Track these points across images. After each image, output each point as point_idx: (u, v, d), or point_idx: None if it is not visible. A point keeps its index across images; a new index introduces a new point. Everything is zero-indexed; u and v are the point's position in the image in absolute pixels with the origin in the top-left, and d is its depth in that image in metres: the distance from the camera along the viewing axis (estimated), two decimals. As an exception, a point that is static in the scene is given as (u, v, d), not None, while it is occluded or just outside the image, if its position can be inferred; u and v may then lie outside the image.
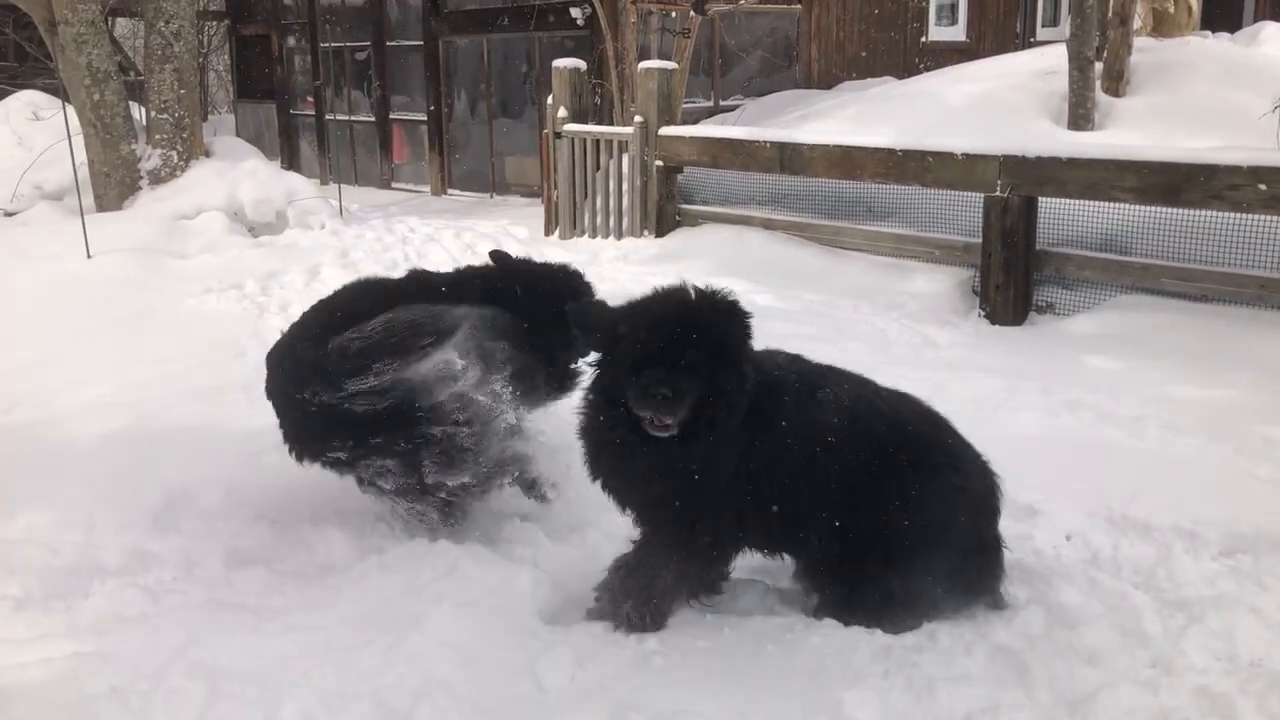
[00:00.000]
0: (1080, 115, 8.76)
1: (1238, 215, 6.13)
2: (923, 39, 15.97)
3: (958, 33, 16.45)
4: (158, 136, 10.32)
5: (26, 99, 12.48)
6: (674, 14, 11.02)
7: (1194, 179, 6.05)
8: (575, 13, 11.94)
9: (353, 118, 16.66)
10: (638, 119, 9.31)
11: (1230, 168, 5.90)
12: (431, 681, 2.78)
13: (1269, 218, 6.01)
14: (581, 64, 10.21)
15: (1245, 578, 3.36)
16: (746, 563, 3.39)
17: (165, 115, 10.26)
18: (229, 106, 24.12)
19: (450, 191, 15.12)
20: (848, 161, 7.81)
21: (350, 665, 2.86)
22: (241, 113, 21.48)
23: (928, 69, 13.38)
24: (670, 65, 9.41)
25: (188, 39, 10.37)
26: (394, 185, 15.98)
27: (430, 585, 3.26)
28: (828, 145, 7.96)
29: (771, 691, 2.79)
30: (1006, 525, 3.38)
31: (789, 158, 8.19)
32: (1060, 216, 7.04)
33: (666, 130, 9.21)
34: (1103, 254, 6.79)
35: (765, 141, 8.38)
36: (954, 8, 16.32)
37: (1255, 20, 14.81)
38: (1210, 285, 6.26)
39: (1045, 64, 9.78)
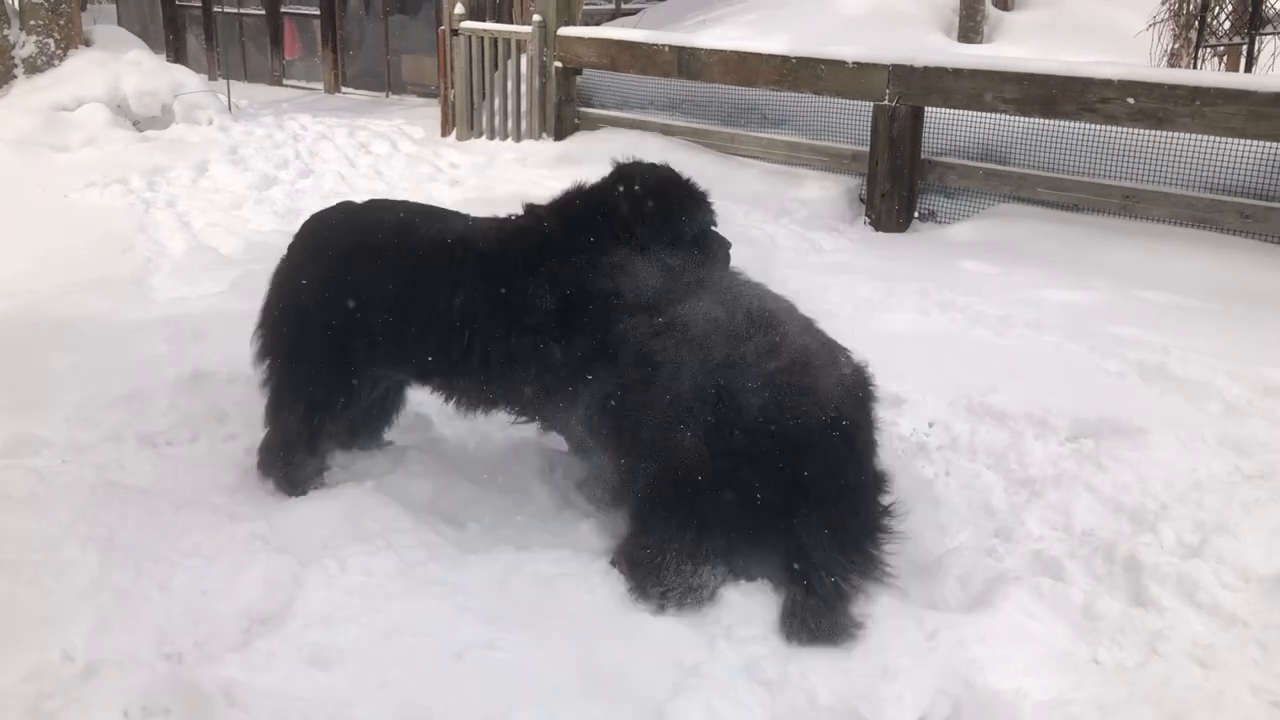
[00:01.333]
0: (970, 28, 8.97)
1: (1108, 127, 6.41)
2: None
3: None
4: (32, 22, 9.87)
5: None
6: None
7: (1069, 91, 6.30)
8: (474, -93, 11.62)
9: (242, 10, 16.03)
10: (536, 18, 9.22)
11: (1102, 81, 6.16)
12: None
13: (1135, 130, 6.30)
14: (480, -40, 10.02)
15: (1086, 459, 3.64)
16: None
17: (41, 0, 9.80)
18: (109, -5, 22.96)
19: (344, 90, 14.74)
20: (744, 67, 7.89)
21: (237, 537, 2.97)
22: (123, 3, 20.48)
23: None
24: (570, -36, 9.30)
25: (63, -81, 9.88)
26: (285, 82, 15.50)
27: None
28: (724, 50, 8.02)
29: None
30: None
31: (686, 62, 8.23)
32: (945, 126, 7.26)
33: (565, 31, 9.15)
34: (983, 164, 7.05)
35: (663, 45, 8.40)
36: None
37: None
38: (1080, 195, 6.57)
39: (938, -24, 9.92)
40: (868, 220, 7.32)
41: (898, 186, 7.16)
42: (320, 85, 14.96)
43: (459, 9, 9.85)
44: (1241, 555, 3.05)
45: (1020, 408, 4.05)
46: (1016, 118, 6.80)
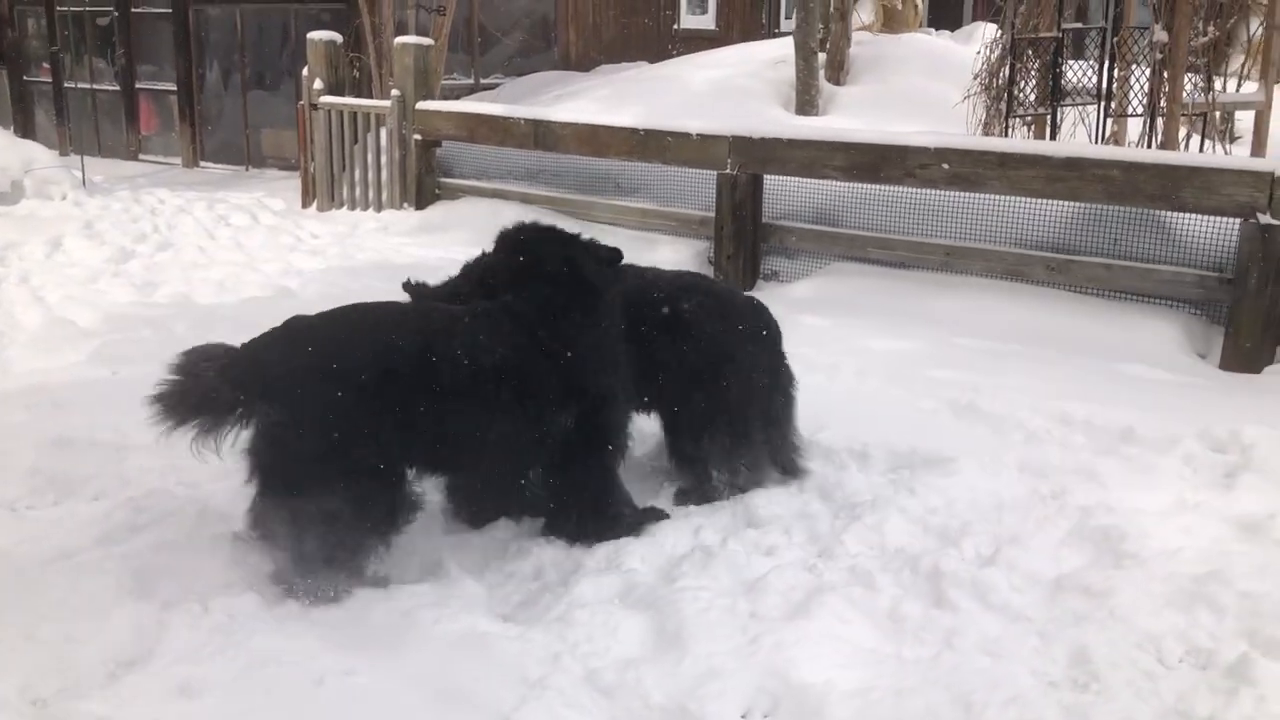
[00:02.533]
0: (806, 101, 9.60)
1: (927, 191, 6.99)
2: (675, 26, 16.76)
3: (708, 21, 17.36)
4: (-126, 98, 9.69)
5: None
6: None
7: (891, 158, 6.87)
8: (333, -14, 11.92)
9: (95, 86, 15.89)
10: (395, 93, 9.50)
11: (920, 148, 6.74)
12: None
13: (951, 193, 6.89)
14: (337, 36, 10.28)
15: (901, 486, 4.03)
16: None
17: (-118, 76, 9.64)
18: (-48, 70, 22.34)
19: (203, 164, 14.73)
20: (596, 139, 8.30)
21: (103, 587, 3.09)
22: (-33, 78, 19.97)
23: (680, 55, 14.13)
24: (426, 41, 9.65)
25: (-93, -4, 9.77)
26: (141, 157, 15.38)
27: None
28: (578, 123, 8.42)
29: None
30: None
31: (542, 134, 8.61)
32: (784, 192, 7.77)
33: (424, 105, 9.44)
34: (818, 226, 7.56)
35: (520, 118, 8.77)
36: (704, -2, 17.23)
37: (974, 20, 16.47)
38: (906, 253, 7.12)
39: (779, 53, 10.60)
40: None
41: (742, 249, 7.61)
42: (179, 160, 14.91)
43: (318, 84, 10.06)
44: (1030, 562, 3.46)
45: (844, 443, 4.44)
46: (848, 183, 7.34)
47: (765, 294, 7.47)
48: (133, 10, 14.98)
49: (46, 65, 16.42)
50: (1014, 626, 3.09)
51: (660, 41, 16.20)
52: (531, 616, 3.14)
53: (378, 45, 11.04)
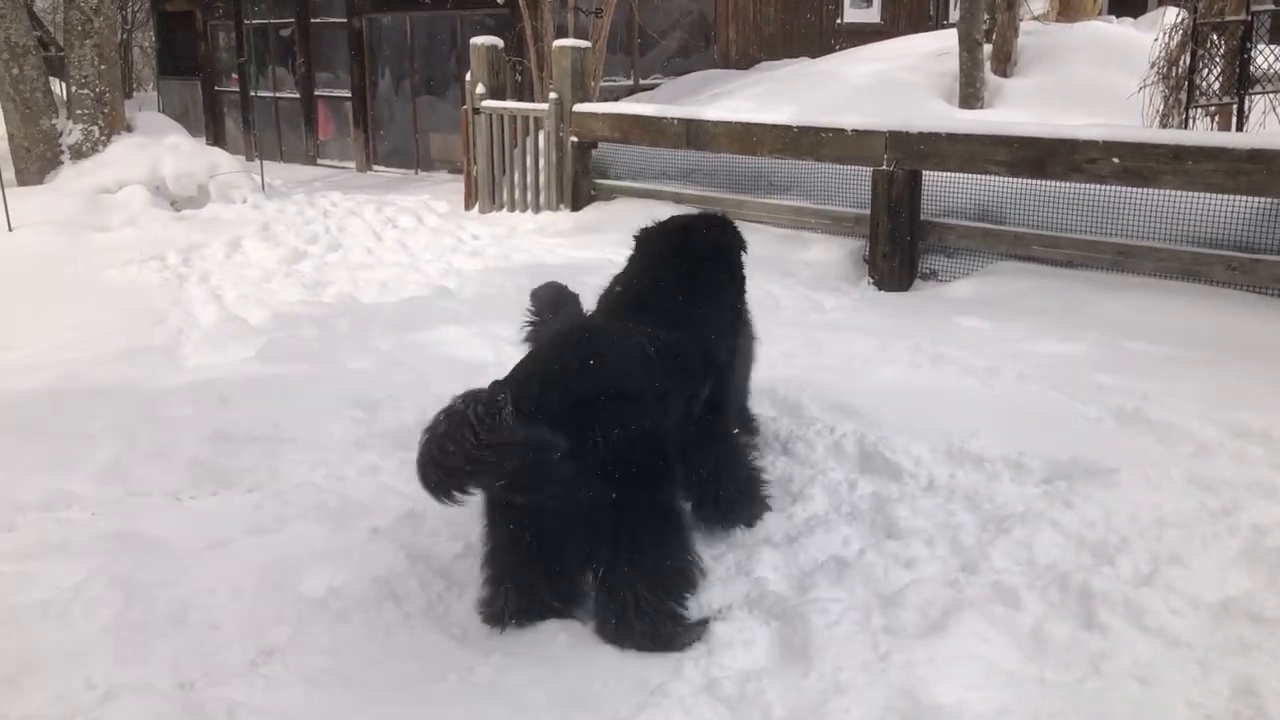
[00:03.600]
0: (970, 94, 9.27)
1: (1097, 186, 6.64)
2: (838, 20, 16.46)
3: (873, 15, 16.99)
4: (79, 111, 10.43)
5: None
6: (584, -7, 11.35)
7: (1057, 153, 6.54)
8: (497, -9, 12.19)
9: (278, 94, 16.74)
10: (553, 95, 9.64)
11: (1088, 142, 6.40)
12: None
13: (1123, 188, 6.52)
14: (499, 41, 10.50)
15: (1056, 499, 3.81)
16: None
17: (86, 90, 10.37)
18: (154, 83, 23.91)
19: (375, 168, 15.31)
20: (748, 137, 8.22)
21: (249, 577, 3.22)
22: (165, 89, 21.33)
23: (843, 50, 13.86)
24: (583, 43, 9.74)
25: (107, 14, 10.48)
26: (319, 162, 16.11)
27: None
28: (730, 122, 8.36)
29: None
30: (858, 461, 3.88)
31: (694, 134, 8.58)
32: (945, 189, 7.51)
33: (580, 107, 9.55)
34: (980, 224, 7.27)
35: (672, 118, 8.77)
36: (869, -10, 16.87)
37: (1159, 6, 15.56)
38: (1073, 251, 6.77)
39: (942, 45, 10.27)
40: (871, 280, 7.55)
41: (898, 247, 7.40)
42: (353, 164, 15.54)
43: (480, 89, 10.30)
44: (1192, 583, 3.21)
45: (998, 451, 4.23)
46: (1013, 179, 7.04)
47: (922, 294, 7.33)
48: (311, 20, 15.69)
49: (235, 76, 17.39)
50: (1171, 653, 2.88)
51: (823, 37, 15.94)
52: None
53: (538, 49, 11.23)
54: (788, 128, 7.93)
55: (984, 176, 7.14)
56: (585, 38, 10.67)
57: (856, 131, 7.51)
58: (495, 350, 5.72)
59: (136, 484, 4.03)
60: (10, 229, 9.03)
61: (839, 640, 2.90)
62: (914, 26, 16.90)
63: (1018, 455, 4.19)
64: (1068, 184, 6.78)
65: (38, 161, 10.30)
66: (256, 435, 4.46)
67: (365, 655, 2.84)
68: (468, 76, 10.50)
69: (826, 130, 7.69)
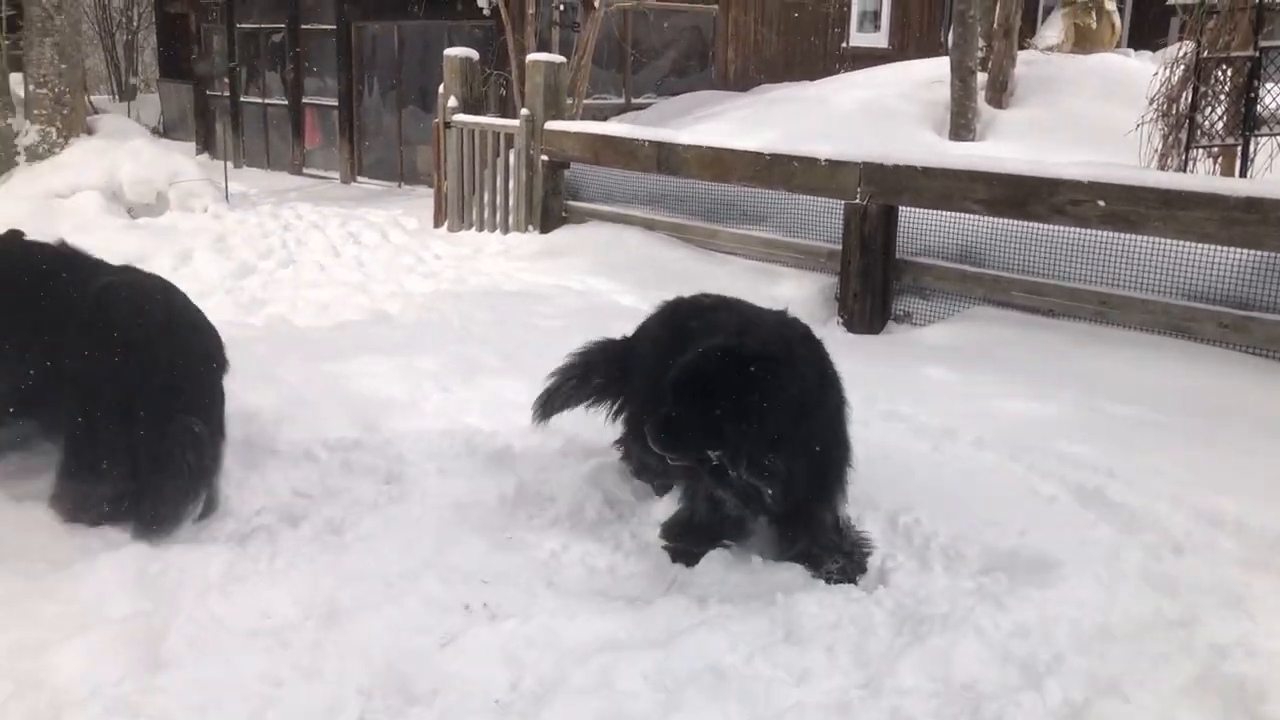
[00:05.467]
0: (961, 125, 8.78)
1: (1085, 231, 6.14)
2: (843, 44, 16.00)
3: (880, 39, 16.52)
4: (36, 112, 10.08)
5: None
6: (561, 6, 10.91)
7: (1038, 193, 6.05)
8: (482, 2, 11.77)
9: (267, 100, 16.39)
10: (524, 112, 9.20)
11: (1072, 182, 5.91)
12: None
13: (1109, 233, 6.02)
14: (474, 54, 10.07)
15: (988, 597, 3.30)
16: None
17: (45, 90, 10.02)
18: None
19: (359, 179, 14.91)
20: (719, 164, 7.75)
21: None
22: (164, 91, 21.12)
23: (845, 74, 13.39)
24: (558, 59, 9.31)
25: (69, 11, 10.13)
26: (305, 171, 15.73)
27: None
28: (700, 147, 7.90)
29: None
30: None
31: (665, 157, 8.13)
32: (929, 226, 7.02)
33: (552, 125, 9.10)
34: (959, 264, 6.78)
35: (644, 140, 8.31)
36: (877, 15, 16.39)
37: (1180, 39, 15.00)
38: (1056, 300, 6.27)
39: (936, 73, 9.78)
40: (840, 321, 7.05)
41: (870, 287, 6.91)
42: (337, 175, 15.15)
43: (452, 102, 9.87)
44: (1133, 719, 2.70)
45: (933, 534, 3.73)
46: (996, 219, 6.54)
47: (893, 338, 6.82)
48: (302, 27, 15.34)
49: (226, 80, 17.06)
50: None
51: (827, 60, 15.48)
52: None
53: (520, 63, 10.79)
54: (759, 155, 7.47)
55: (968, 215, 6.65)
56: (570, 53, 10.25)
57: (830, 162, 7.03)
58: (410, 387, 5.26)
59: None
60: (-48, 232, 8.63)
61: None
62: (924, 52, 16.36)
63: (955, 540, 3.69)
64: (1053, 226, 6.28)
65: (-9, 162, 9.93)
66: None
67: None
68: (440, 89, 10.07)
69: (799, 159, 7.22)
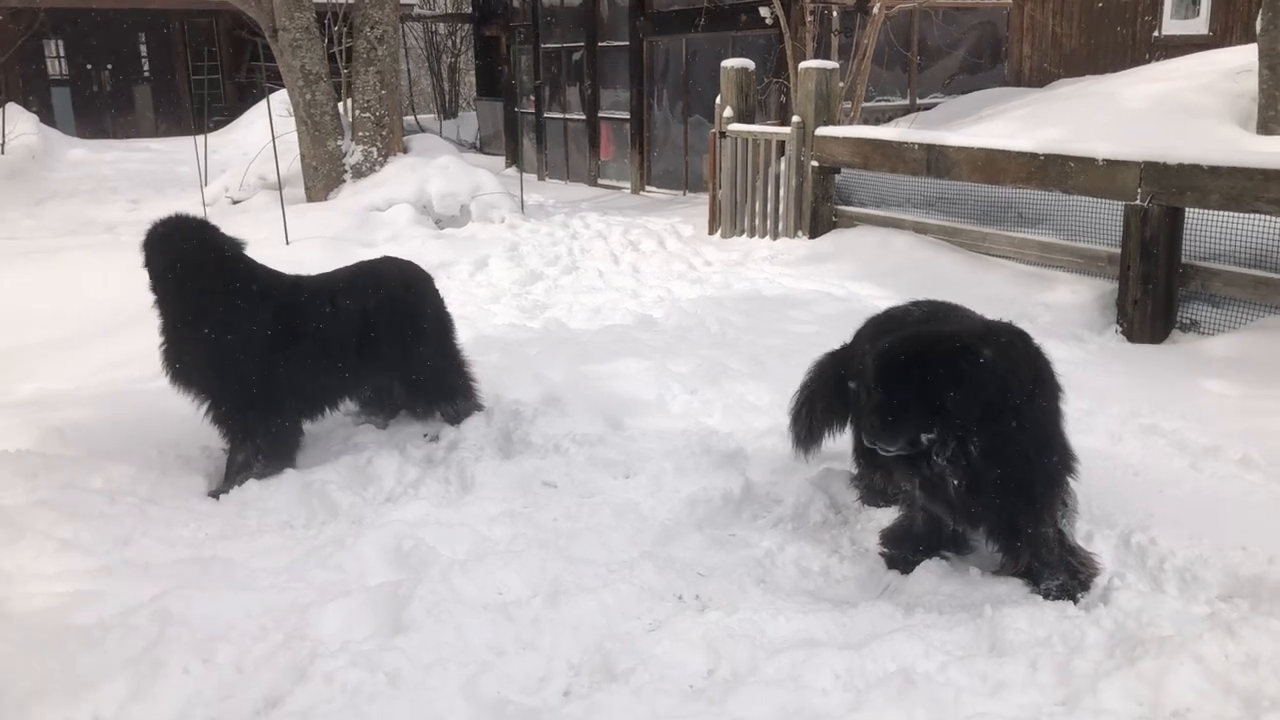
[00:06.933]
0: (1270, 118, 8.03)
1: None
2: (1155, 33, 14.92)
3: (1199, 25, 15.24)
4: (360, 134, 11.21)
5: (281, 97, 13.83)
6: (834, 11, 10.87)
7: (1344, 191, 5.50)
8: (764, 12, 11.97)
9: (567, 116, 17.33)
10: (795, 119, 9.30)
11: (1384, 179, 5.33)
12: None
13: None
14: (750, 64, 10.26)
15: (1220, 623, 3.10)
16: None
17: (368, 114, 11.12)
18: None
19: (648, 189, 15.48)
20: (990, 165, 7.53)
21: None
22: (481, 109, 22.76)
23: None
24: (829, 65, 9.32)
25: (390, 43, 11.18)
26: (599, 182, 16.52)
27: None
28: (972, 148, 7.69)
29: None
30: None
31: (935, 160, 7.98)
32: (1218, 229, 6.53)
33: (822, 130, 9.14)
34: (1250, 270, 6.26)
35: (913, 143, 8.19)
36: (1196, -1, 15.16)
37: None
38: (1364, 309, 5.67)
39: (1243, 61, 8.99)
40: (1119, 329, 6.68)
41: (1151, 293, 6.50)
42: (628, 185, 15.80)
43: (728, 112, 10.12)
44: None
45: (1170, 554, 3.54)
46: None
47: (1175, 348, 6.39)
48: (599, 44, 16.12)
49: (531, 98, 18.20)
50: None
51: (1135, 50, 14.50)
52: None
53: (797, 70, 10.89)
54: (1033, 155, 7.19)
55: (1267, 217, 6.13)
56: (849, 58, 10.24)
57: (1108, 161, 6.67)
58: (660, 389, 5.51)
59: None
60: (288, 242, 9.79)
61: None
62: (1252, 38, 15.03)
63: (1192, 562, 3.50)
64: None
65: (324, 180, 11.15)
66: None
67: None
68: (717, 100, 10.34)
69: (1074, 159, 6.89)
